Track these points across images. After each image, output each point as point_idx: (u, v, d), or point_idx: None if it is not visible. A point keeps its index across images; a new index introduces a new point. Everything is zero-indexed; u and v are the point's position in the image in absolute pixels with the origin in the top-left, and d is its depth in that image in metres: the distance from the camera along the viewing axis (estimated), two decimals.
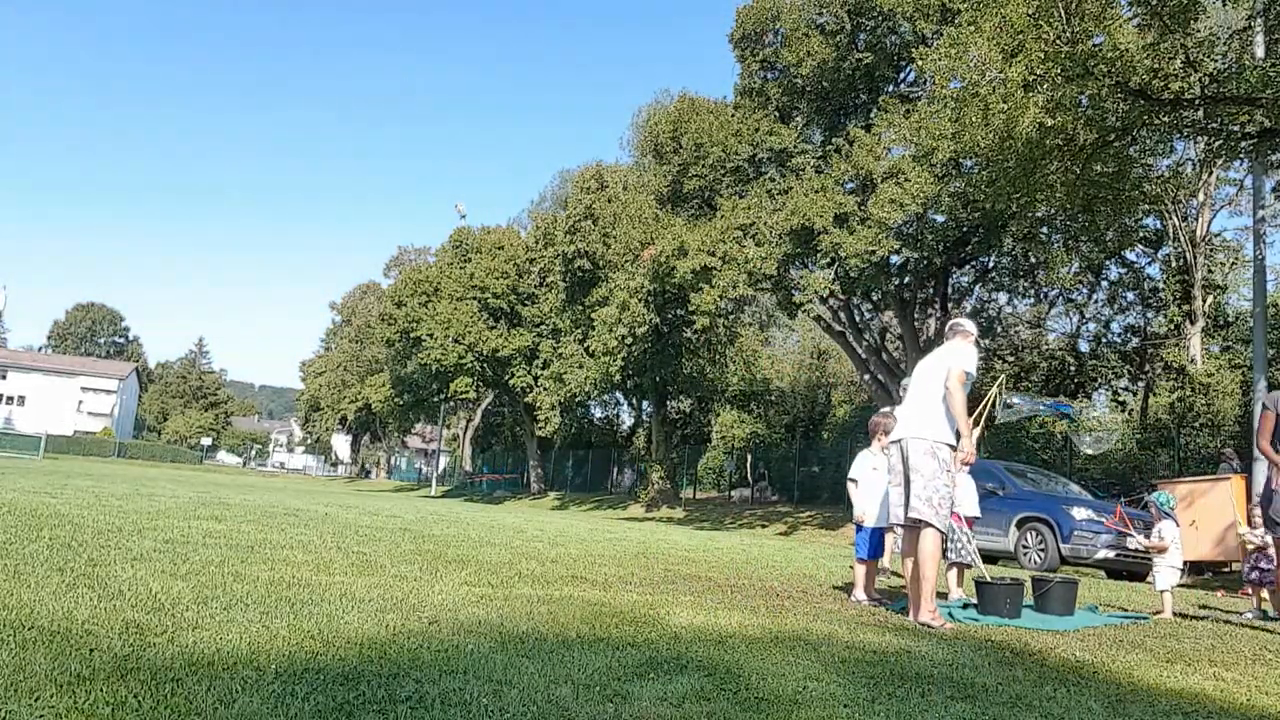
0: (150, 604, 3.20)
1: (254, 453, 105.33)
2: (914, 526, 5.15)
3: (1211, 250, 24.78)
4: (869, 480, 6.16)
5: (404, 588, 4.31)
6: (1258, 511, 7.41)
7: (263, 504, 11.54)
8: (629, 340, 26.98)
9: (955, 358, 5.34)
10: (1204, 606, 7.75)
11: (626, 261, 25.88)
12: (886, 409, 6.49)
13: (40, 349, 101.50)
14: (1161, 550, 6.68)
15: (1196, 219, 23.99)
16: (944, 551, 6.16)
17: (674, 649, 3.22)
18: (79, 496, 9.23)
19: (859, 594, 5.89)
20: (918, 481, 5.11)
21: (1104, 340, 27.85)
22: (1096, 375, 26.24)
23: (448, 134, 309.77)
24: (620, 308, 26.74)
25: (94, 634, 2.60)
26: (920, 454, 5.15)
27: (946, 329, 5.86)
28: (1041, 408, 9.86)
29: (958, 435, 5.30)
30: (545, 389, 33.93)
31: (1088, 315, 28.61)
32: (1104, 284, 27.43)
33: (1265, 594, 7.12)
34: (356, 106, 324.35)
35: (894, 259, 21.32)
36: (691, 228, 22.23)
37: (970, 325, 5.84)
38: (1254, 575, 7.29)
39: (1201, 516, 11.89)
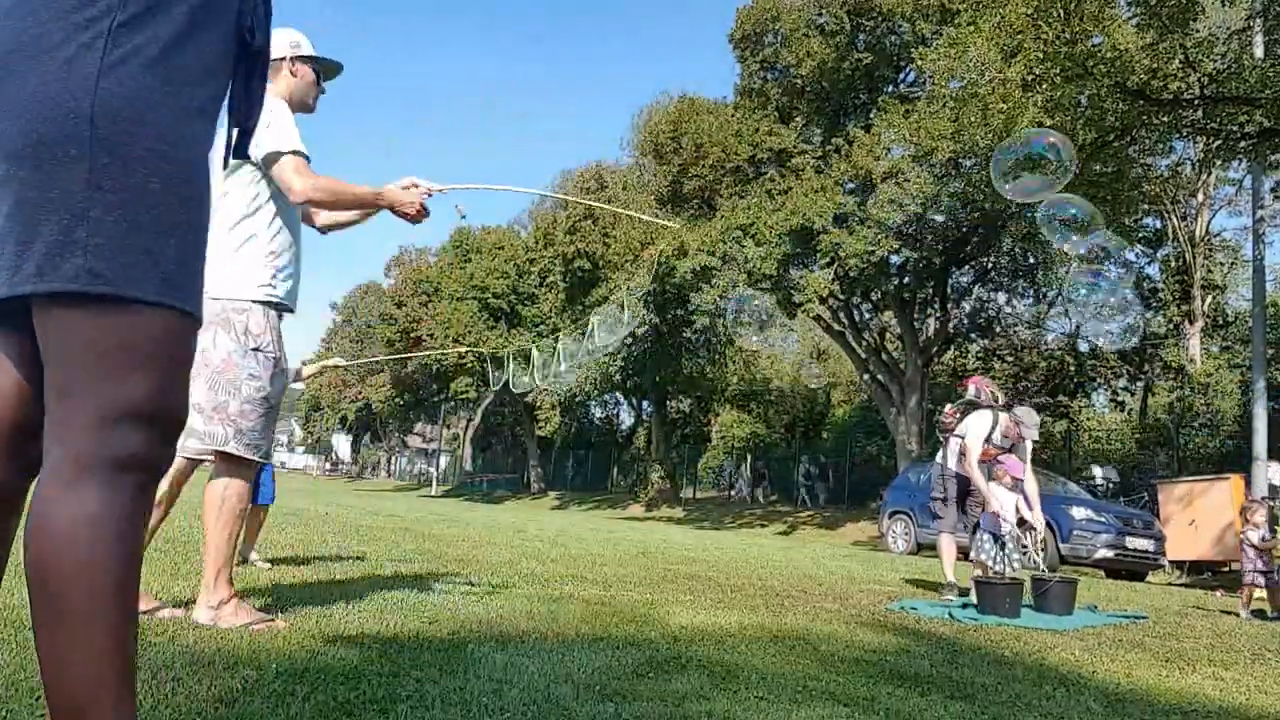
0: None
1: None
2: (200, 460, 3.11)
3: (1210, 250, 24.81)
4: None
5: (405, 587, 4.32)
6: (1261, 510, 7.34)
7: None
8: (629, 340, 27.02)
9: (269, 134, 2.84)
10: (1201, 607, 7.76)
11: (626, 261, 25.91)
12: None
13: None
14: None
15: (1195, 219, 24.01)
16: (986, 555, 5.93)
17: (674, 648, 3.23)
18: None
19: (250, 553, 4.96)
20: (199, 380, 2.88)
21: None
22: (1095, 375, 26.27)
23: (447, 133, 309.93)
24: (620, 307, 26.79)
25: None
26: (211, 329, 2.91)
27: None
28: None
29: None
30: (545, 389, 33.97)
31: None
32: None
33: (1262, 594, 7.10)
34: (356, 104, 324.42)
35: (894, 259, 21.36)
36: (691, 228, 22.25)
37: (288, 41, 3.13)
38: (1257, 578, 7.23)
39: (1200, 516, 11.91)
